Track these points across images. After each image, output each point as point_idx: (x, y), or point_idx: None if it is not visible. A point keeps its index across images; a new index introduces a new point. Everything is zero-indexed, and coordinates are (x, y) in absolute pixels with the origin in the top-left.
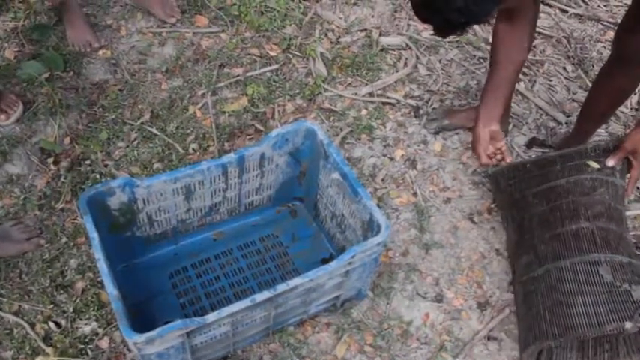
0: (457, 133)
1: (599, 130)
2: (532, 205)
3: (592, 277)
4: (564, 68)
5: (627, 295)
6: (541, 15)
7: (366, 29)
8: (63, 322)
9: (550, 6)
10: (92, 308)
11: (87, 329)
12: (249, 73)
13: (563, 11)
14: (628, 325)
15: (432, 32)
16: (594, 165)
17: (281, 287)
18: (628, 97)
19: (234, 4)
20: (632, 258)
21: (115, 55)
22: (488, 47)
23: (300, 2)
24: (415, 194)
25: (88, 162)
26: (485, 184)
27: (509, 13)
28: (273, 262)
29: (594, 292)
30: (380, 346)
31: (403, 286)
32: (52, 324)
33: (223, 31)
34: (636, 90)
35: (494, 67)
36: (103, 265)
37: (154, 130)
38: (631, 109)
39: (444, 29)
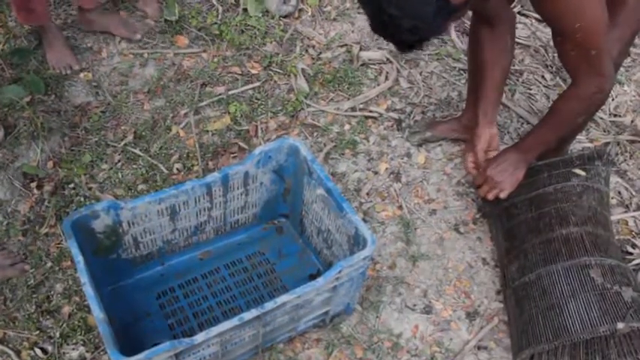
0: (440, 145)
1: (579, 137)
2: (521, 212)
3: (583, 280)
4: (543, 77)
5: (618, 296)
6: (518, 25)
7: (346, 44)
8: (49, 349)
9: (526, 16)
10: (79, 333)
11: (74, 354)
12: (231, 92)
13: (539, 21)
14: (620, 325)
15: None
16: (580, 172)
17: (269, 305)
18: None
19: (215, 24)
20: (620, 261)
21: (97, 77)
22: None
23: (280, 19)
24: (400, 207)
25: (71, 185)
26: (470, 194)
27: (488, 21)
28: (260, 280)
29: (586, 294)
30: None
31: (392, 299)
32: (38, 350)
33: (204, 50)
34: (613, 96)
35: (482, 74)
36: (88, 289)
37: (137, 151)
38: (610, 114)
39: (402, 47)
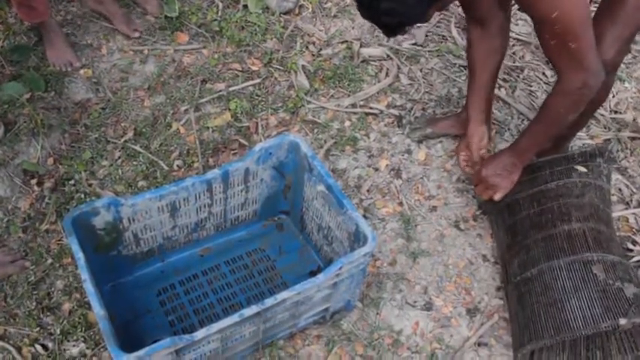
0: (440, 141)
1: (580, 134)
2: (523, 208)
3: (586, 276)
4: (544, 74)
5: (620, 293)
6: (518, 22)
7: (346, 41)
8: (50, 345)
9: None
10: (80, 329)
11: (75, 351)
12: (231, 88)
13: None
14: (623, 321)
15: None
16: (582, 169)
17: (269, 301)
18: (598, 107)
19: (215, 20)
20: (621, 258)
21: (97, 74)
22: None
23: (280, 16)
24: (401, 203)
25: (72, 182)
26: (470, 191)
27: (479, 21)
28: (261, 277)
29: (588, 290)
30: (371, 357)
31: (392, 296)
32: (38, 347)
33: (204, 47)
34: (614, 93)
35: (472, 73)
36: (89, 286)
37: (137, 148)
38: (610, 111)
39: (385, 30)
